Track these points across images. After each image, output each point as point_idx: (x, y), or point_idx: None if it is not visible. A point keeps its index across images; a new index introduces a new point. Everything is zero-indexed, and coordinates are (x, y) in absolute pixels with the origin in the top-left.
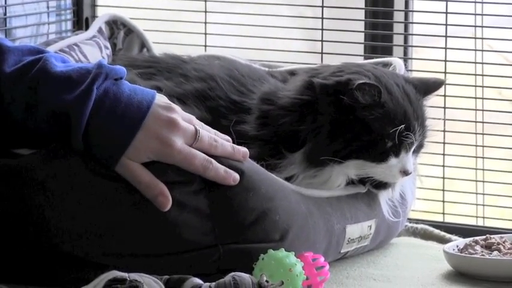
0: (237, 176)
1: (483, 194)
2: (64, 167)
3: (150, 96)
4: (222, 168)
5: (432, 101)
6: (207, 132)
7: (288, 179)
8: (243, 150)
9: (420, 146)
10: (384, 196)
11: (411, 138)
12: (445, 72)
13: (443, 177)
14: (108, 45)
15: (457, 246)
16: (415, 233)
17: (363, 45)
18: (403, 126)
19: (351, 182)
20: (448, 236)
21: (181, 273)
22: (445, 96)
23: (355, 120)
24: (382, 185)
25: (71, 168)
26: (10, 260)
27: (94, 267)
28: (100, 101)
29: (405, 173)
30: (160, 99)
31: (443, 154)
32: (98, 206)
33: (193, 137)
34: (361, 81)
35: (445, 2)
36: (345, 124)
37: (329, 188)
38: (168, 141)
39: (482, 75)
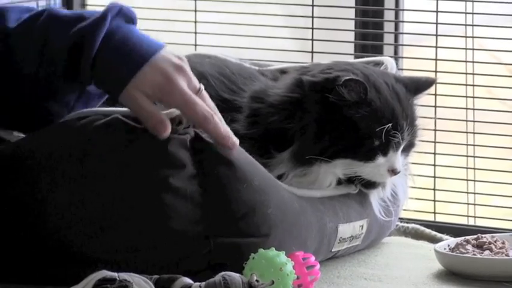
0: (236, 141)
1: (474, 193)
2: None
3: (160, 44)
4: (223, 126)
5: (423, 100)
6: (211, 101)
7: (277, 178)
8: (235, 139)
9: (411, 145)
10: (374, 196)
11: (399, 137)
12: (436, 71)
13: (435, 177)
14: None
15: (448, 245)
16: (406, 233)
17: (353, 44)
18: (390, 125)
19: (343, 182)
20: (439, 235)
21: (171, 267)
22: (435, 95)
23: (342, 119)
24: (371, 184)
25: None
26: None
27: (84, 262)
28: (111, 33)
29: (393, 171)
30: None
31: (434, 153)
32: (86, 197)
33: (195, 89)
34: (346, 78)
35: (435, 1)
36: (332, 122)
37: (319, 187)
38: (173, 79)
39: (473, 74)
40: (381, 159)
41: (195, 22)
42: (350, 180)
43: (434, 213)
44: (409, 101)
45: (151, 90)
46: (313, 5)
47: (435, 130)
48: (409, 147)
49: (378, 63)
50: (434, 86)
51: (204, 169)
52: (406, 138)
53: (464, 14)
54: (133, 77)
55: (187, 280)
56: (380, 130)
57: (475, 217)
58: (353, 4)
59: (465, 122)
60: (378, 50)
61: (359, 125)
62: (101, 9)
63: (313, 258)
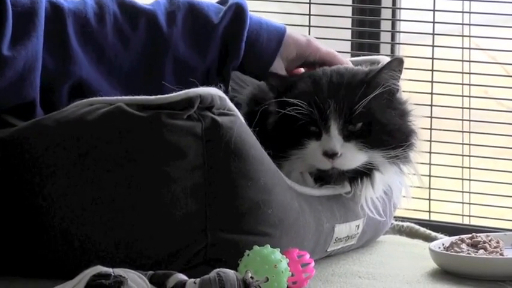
0: None
1: (469, 193)
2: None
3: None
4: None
5: (419, 98)
6: None
7: None
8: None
9: (377, 135)
10: (363, 193)
11: (324, 120)
12: (432, 70)
13: (430, 175)
14: None
15: (443, 244)
16: (400, 231)
17: (350, 43)
18: (308, 108)
19: (336, 181)
20: (434, 234)
21: (167, 260)
22: (432, 94)
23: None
24: (328, 177)
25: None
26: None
27: (83, 255)
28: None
29: (327, 154)
30: None
31: (430, 152)
32: (85, 184)
33: None
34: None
35: (432, 0)
36: (279, 119)
37: (304, 185)
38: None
39: (470, 73)
40: (312, 144)
41: None
42: (319, 176)
43: (429, 212)
44: (353, 89)
45: (295, 52)
46: (310, 3)
47: (431, 129)
48: (372, 138)
49: (374, 62)
50: (430, 84)
51: (213, 160)
52: (335, 121)
53: (461, 13)
54: (280, 48)
55: (182, 276)
56: (306, 117)
57: (469, 216)
58: (350, 2)
59: (461, 121)
60: (375, 49)
61: (292, 117)
62: None
63: (308, 255)
